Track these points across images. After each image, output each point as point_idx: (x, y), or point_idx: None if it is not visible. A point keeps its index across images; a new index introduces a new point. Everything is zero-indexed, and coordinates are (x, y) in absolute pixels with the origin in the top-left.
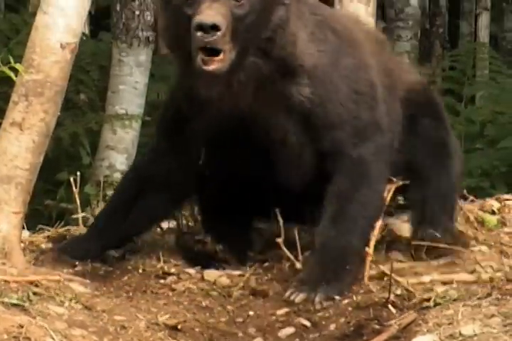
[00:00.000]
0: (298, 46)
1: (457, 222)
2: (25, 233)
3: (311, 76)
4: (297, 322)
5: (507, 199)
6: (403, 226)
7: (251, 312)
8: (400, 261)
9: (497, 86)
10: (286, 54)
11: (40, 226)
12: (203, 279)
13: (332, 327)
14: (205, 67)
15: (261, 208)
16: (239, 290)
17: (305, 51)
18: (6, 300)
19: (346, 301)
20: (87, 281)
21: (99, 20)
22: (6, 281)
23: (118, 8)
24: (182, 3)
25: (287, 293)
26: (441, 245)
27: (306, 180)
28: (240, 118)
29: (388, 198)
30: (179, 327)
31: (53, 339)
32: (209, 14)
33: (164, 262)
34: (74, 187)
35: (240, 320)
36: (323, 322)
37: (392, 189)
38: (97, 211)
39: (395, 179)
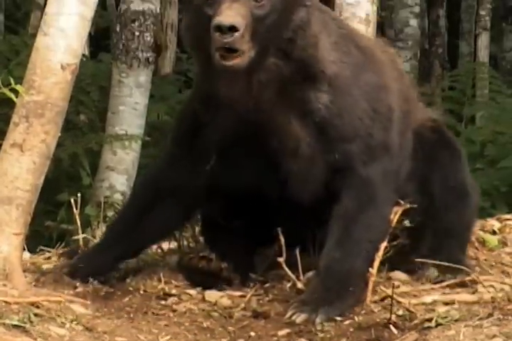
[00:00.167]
0: (320, 50)
1: None
2: (26, 254)
3: (331, 84)
4: None
5: (508, 219)
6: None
7: (252, 333)
8: (402, 282)
9: (497, 106)
10: (307, 55)
11: (40, 247)
12: (204, 300)
13: None
14: (224, 62)
15: (265, 227)
16: (240, 311)
17: (327, 58)
18: (7, 321)
19: (348, 322)
20: (88, 302)
21: (99, 41)
22: (6, 302)
23: (118, 29)
24: (202, 3)
25: (288, 314)
26: (446, 264)
27: (313, 196)
28: (256, 123)
29: (395, 221)
30: None
31: None
32: (228, 15)
33: (165, 283)
34: (74, 209)
35: None
36: None
37: (399, 212)
38: (98, 232)
39: (402, 202)
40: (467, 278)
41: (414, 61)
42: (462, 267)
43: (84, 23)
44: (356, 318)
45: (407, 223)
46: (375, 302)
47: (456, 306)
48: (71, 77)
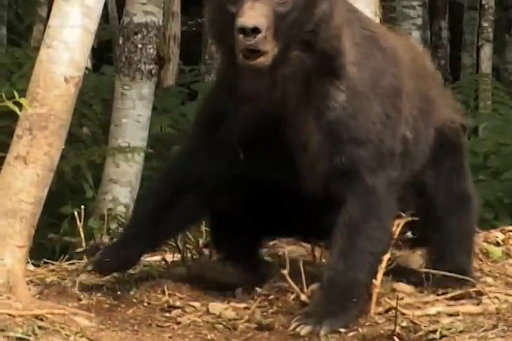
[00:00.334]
0: (342, 42)
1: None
2: (30, 267)
3: (349, 85)
4: None
5: (511, 231)
6: (411, 258)
7: None
8: (406, 294)
9: (500, 117)
10: (330, 47)
11: (44, 259)
12: (208, 312)
13: None
14: (248, 62)
15: (273, 224)
16: (244, 323)
17: (348, 58)
18: (11, 334)
19: (352, 333)
20: (92, 315)
21: (102, 53)
22: (11, 315)
23: (121, 41)
24: (225, 0)
25: (292, 326)
26: (453, 275)
27: (315, 193)
28: (277, 116)
29: (397, 233)
30: None
31: None
32: (250, 16)
33: (169, 295)
34: (78, 221)
35: None
36: None
37: (401, 224)
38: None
39: (404, 214)
40: (472, 290)
41: None
42: (467, 278)
43: (88, 35)
44: (360, 330)
45: (409, 234)
46: (379, 314)
47: (460, 317)
48: (74, 89)
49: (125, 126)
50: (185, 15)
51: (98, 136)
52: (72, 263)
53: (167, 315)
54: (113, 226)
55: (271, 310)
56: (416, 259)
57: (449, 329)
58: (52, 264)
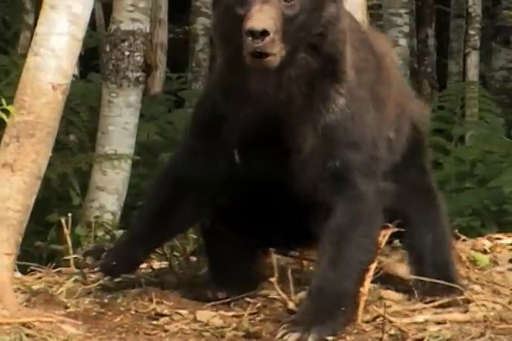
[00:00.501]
0: (346, 46)
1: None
2: (17, 274)
3: (349, 88)
4: None
5: (498, 239)
6: (397, 266)
7: None
8: (394, 301)
9: (486, 125)
10: (335, 51)
11: (31, 267)
12: (195, 320)
13: None
14: (256, 63)
15: (264, 233)
16: (232, 331)
17: (349, 59)
18: None
19: None
20: (80, 323)
21: (88, 61)
22: None
23: (108, 49)
24: (234, 3)
25: (280, 333)
26: (440, 282)
27: (303, 198)
28: (280, 117)
29: (383, 243)
30: None
31: None
32: (259, 19)
33: (157, 303)
34: (65, 229)
35: None
36: None
37: (388, 235)
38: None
39: (390, 225)
40: (459, 297)
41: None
42: (455, 285)
43: (75, 43)
44: (348, 338)
45: (396, 243)
46: (367, 321)
47: (447, 325)
48: (62, 97)
49: (112, 134)
50: (172, 23)
51: (85, 144)
52: (60, 271)
53: (154, 322)
54: (100, 233)
55: (258, 318)
56: (403, 267)
57: (437, 337)
58: (40, 272)
